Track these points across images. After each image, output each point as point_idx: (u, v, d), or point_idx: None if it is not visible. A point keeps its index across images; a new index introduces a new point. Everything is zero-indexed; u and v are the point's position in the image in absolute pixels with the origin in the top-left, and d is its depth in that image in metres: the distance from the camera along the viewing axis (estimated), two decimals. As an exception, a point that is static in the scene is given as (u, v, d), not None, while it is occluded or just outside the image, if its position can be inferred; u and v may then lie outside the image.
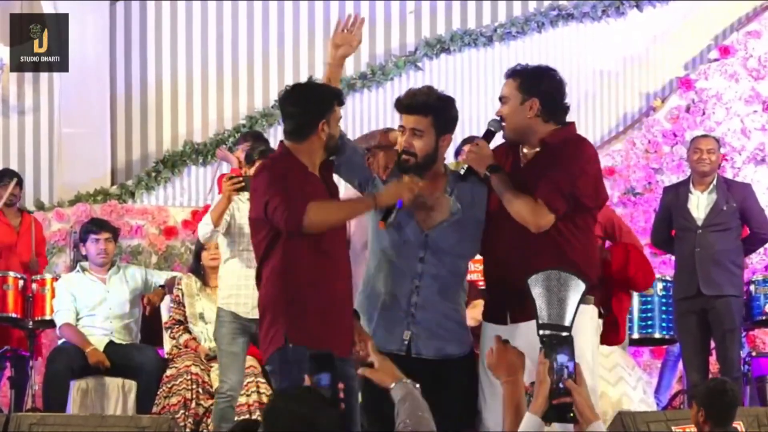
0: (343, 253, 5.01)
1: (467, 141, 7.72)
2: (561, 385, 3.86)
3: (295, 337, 4.77)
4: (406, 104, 5.08)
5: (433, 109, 5.06)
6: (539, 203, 4.83)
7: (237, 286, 6.87)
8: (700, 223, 8.06)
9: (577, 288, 4.10)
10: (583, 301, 4.78)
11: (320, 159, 4.96)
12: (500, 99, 5.05)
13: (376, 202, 4.88)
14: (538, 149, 4.99)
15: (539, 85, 4.99)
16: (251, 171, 6.96)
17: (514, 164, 5.01)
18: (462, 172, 5.07)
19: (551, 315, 4.05)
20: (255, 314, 6.78)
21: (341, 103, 4.99)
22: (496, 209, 5.01)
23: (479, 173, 4.99)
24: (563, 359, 3.88)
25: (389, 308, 5.04)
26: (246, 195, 6.93)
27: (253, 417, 7.11)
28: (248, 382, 7.36)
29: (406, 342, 5.01)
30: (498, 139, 5.16)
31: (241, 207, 6.96)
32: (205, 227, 6.90)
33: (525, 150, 5.03)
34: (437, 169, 5.13)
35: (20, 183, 8.94)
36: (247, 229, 6.84)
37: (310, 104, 4.89)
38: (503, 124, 5.02)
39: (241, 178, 6.88)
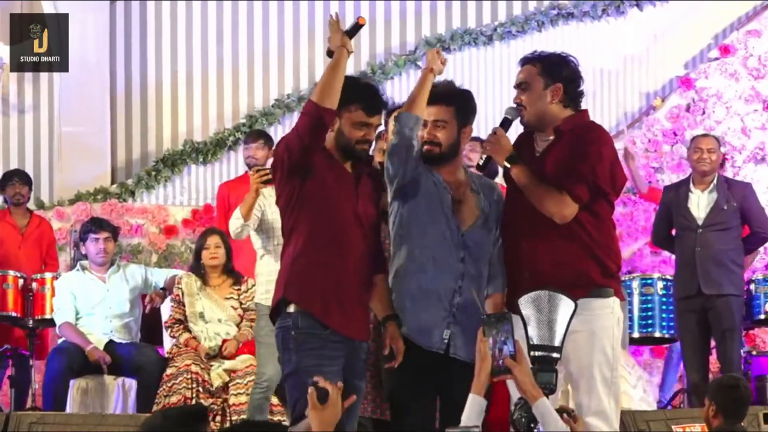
0: (362, 244, 4.97)
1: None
2: (501, 363, 3.87)
3: (290, 294, 4.87)
4: (431, 94, 5.07)
5: (455, 99, 5.09)
6: (562, 193, 4.82)
7: (273, 281, 6.86)
8: (700, 222, 8.06)
9: (566, 308, 4.12)
10: (602, 294, 4.81)
11: (342, 156, 4.95)
12: (518, 86, 5.02)
13: (343, 45, 4.89)
14: (552, 137, 4.97)
15: (561, 71, 4.98)
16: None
17: (529, 154, 4.99)
18: (481, 162, 5.06)
19: (541, 336, 4.07)
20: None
21: (367, 109, 4.90)
22: (514, 201, 5.02)
23: (498, 163, 4.98)
24: (502, 337, 3.89)
25: (430, 307, 5.03)
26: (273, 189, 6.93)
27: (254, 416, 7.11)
28: (247, 381, 7.35)
29: (446, 341, 5.02)
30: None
31: (272, 203, 6.95)
32: (235, 221, 6.90)
33: (539, 139, 5.02)
34: (458, 165, 5.16)
35: (28, 183, 8.95)
36: (278, 224, 6.88)
37: None
38: (521, 110, 5.00)
39: (268, 170, 6.86)
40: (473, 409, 3.88)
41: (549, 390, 4.03)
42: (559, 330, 4.07)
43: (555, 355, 4.06)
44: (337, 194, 4.91)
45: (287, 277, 4.92)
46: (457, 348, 5.03)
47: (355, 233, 4.95)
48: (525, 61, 5.06)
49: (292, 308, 4.88)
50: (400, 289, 5.08)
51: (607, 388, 4.84)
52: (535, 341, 4.07)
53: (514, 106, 5.02)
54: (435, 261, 5.04)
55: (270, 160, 7.95)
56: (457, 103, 5.09)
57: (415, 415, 5.01)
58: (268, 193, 6.94)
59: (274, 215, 6.87)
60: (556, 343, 4.07)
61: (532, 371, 4.03)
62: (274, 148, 5.01)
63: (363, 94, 4.94)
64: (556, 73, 4.96)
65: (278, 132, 10.27)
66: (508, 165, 4.90)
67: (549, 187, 4.83)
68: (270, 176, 6.78)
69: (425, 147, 5.07)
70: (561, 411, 3.97)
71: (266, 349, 6.86)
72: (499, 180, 6.35)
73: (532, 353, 4.07)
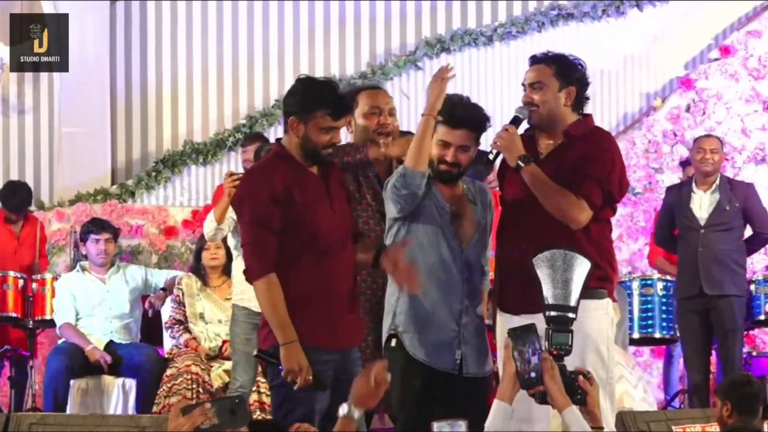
0: (344, 247, 4.92)
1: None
2: (533, 375, 3.83)
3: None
4: (462, 117, 5.03)
5: (480, 125, 5.09)
6: (579, 198, 4.82)
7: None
8: (702, 222, 8.06)
9: (582, 267, 4.07)
10: (596, 296, 4.81)
11: (308, 161, 4.85)
12: (531, 84, 5.00)
13: (284, 347, 4.68)
14: (559, 141, 4.96)
15: (575, 74, 4.99)
16: None
17: (534, 156, 4.97)
18: (491, 156, 5.03)
19: (556, 295, 4.02)
20: None
21: (334, 114, 4.78)
22: (512, 199, 5.01)
23: (509, 161, 4.96)
24: (530, 348, 3.84)
25: (439, 329, 5.06)
26: None
27: (254, 417, 7.11)
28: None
29: (458, 361, 5.07)
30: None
31: None
32: (209, 224, 6.93)
33: (543, 141, 5.02)
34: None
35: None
36: None
37: (293, 96, 4.83)
38: (532, 110, 4.99)
39: (241, 175, 6.87)
40: (497, 415, 3.84)
41: (564, 351, 3.98)
42: (575, 289, 4.02)
43: (570, 315, 4.01)
44: (312, 211, 4.82)
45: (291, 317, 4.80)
46: (469, 367, 5.09)
47: (337, 241, 4.87)
48: (537, 61, 5.03)
49: None
50: (408, 313, 5.09)
51: (602, 389, 4.84)
52: (550, 301, 4.01)
53: (523, 105, 5.00)
54: (440, 284, 5.07)
55: None
56: (479, 129, 5.10)
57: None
58: None
59: None
60: (572, 303, 4.02)
61: (546, 332, 3.99)
62: (244, 234, 4.89)
63: (329, 99, 4.79)
64: (570, 75, 4.98)
65: (279, 132, 10.25)
66: (521, 164, 4.88)
67: (564, 191, 4.82)
68: None
69: (443, 167, 5.07)
70: (577, 373, 3.93)
71: (241, 356, 6.88)
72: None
73: (547, 313, 4.02)
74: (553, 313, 4.03)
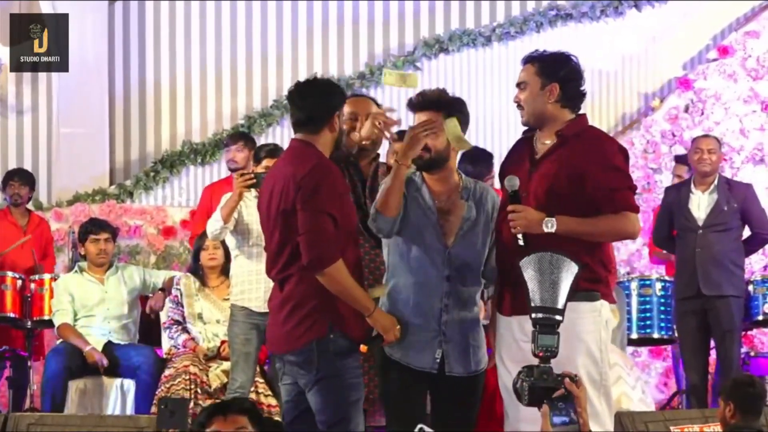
0: (357, 244, 5.16)
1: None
2: None
3: (339, 326, 4.91)
4: (418, 102, 5.14)
5: (446, 106, 5.12)
6: (622, 214, 4.87)
7: (248, 281, 6.88)
8: (701, 223, 8.07)
9: (570, 270, 4.07)
10: (588, 298, 4.81)
11: (329, 153, 5.07)
12: (518, 85, 5.05)
13: (371, 316, 4.96)
14: (554, 141, 4.98)
15: (559, 71, 5.00)
16: (258, 168, 7.00)
17: (530, 157, 5.00)
18: (521, 242, 4.87)
19: (543, 298, 4.02)
20: (267, 308, 6.81)
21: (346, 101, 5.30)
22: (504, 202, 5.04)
23: (538, 231, 4.87)
24: (569, 415, 3.81)
25: (419, 327, 5.09)
26: (254, 192, 6.92)
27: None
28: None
29: (438, 360, 5.08)
30: (502, 132, 5.13)
31: (249, 204, 6.96)
32: (214, 224, 6.91)
33: (540, 141, 5.02)
34: (450, 171, 5.19)
35: (29, 183, 9.00)
36: (254, 226, 6.89)
37: (325, 96, 5.08)
38: (520, 110, 5.02)
39: (252, 174, 6.87)
40: None
41: (551, 353, 3.97)
42: (562, 292, 4.01)
43: (557, 317, 4.00)
44: (350, 202, 5.14)
45: (331, 305, 4.94)
46: (452, 366, 5.10)
47: (356, 238, 5.18)
48: (525, 61, 5.09)
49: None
50: (390, 314, 5.15)
51: (596, 390, 4.84)
52: (537, 303, 4.01)
53: (510, 176, 4.96)
54: (419, 284, 5.09)
55: (251, 162, 7.99)
56: (448, 110, 5.11)
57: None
58: (246, 195, 6.96)
59: (250, 217, 6.89)
60: (559, 305, 4.00)
61: (533, 334, 3.99)
62: (306, 222, 4.99)
63: (342, 89, 5.31)
64: (553, 72, 4.98)
65: (277, 133, 10.29)
66: (550, 228, 4.84)
67: (603, 218, 4.85)
68: (254, 180, 6.80)
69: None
70: (563, 376, 3.92)
71: (240, 357, 6.89)
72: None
73: (533, 315, 4.02)
74: (539, 315, 4.01)
